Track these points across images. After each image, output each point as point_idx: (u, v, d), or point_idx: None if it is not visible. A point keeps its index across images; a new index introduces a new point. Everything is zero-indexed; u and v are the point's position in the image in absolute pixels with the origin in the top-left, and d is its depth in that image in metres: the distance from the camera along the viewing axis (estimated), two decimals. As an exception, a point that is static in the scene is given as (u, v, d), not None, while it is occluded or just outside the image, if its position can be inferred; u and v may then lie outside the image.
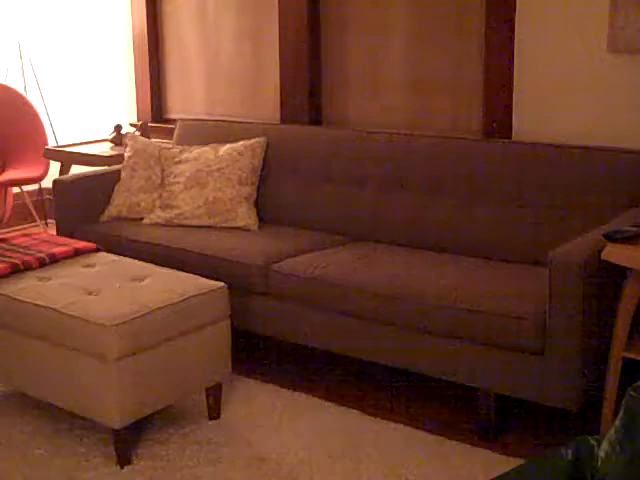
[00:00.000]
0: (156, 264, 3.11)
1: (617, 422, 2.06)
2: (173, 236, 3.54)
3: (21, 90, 5.06)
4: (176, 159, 3.82)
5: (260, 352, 3.52)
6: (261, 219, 3.71)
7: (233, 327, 2.96)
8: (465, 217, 3.28)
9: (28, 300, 2.79)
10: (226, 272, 3.20)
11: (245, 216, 3.63)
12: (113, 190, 3.92)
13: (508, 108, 3.39)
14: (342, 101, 4.01)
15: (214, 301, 2.87)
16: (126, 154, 4.01)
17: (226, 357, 2.92)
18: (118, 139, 4.43)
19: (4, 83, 4.96)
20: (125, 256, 3.23)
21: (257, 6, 4.21)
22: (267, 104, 4.23)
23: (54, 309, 2.71)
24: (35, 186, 5.22)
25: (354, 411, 2.99)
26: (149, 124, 4.49)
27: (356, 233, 3.54)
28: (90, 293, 2.82)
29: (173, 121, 4.48)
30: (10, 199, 4.86)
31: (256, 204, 3.72)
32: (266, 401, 3.08)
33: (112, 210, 3.89)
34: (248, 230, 3.61)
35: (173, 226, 3.67)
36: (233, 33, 4.34)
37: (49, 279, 2.95)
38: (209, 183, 3.68)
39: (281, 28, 4.06)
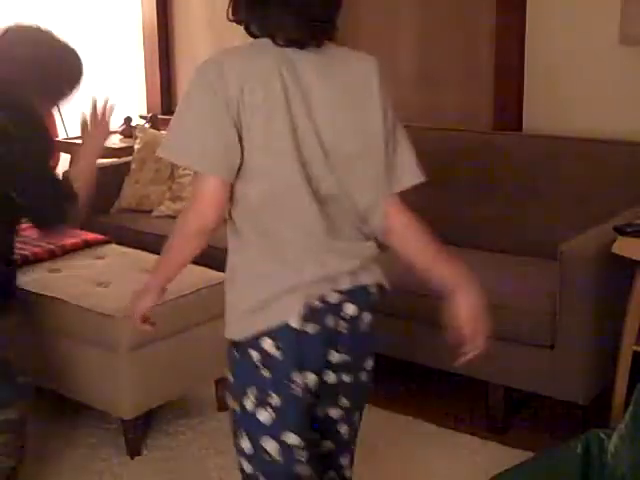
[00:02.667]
0: (166, 256, 3.12)
1: (627, 416, 2.06)
2: (183, 228, 3.54)
3: (31, 82, 5.07)
4: (186, 151, 3.82)
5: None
6: (271, 211, 3.70)
7: (243, 319, 2.96)
8: (475, 210, 3.27)
9: (38, 292, 2.80)
10: (236, 264, 3.20)
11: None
12: (123, 182, 3.93)
13: (519, 101, 3.38)
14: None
15: (224, 293, 2.87)
16: (136, 146, 4.01)
17: (236, 349, 2.93)
18: (128, 131, 4.44)
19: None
20: (135, 248, 3.24)
21: (267, -2, 4.21)
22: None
23: (64, 301, 2.71)
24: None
25: (363, 403, 3.00)
26: (159, 116, 4.49)
27: (366, 226, 3.53)
28: (100, 285, 2.83)
29: (183, 113, 4.48)
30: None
31: (266, 196, 3.71)
32: (275, 393, 3.09)
33: (122, 202, 3.90)
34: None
35: (183, 218, 3.67)
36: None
37: (59, 271, 2.96)
38: (219, 175, 3.68)
39: (291, 20, 4.05)
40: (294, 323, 1.60)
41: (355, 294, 1.69)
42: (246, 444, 1.68)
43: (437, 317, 2.81)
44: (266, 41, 1.59)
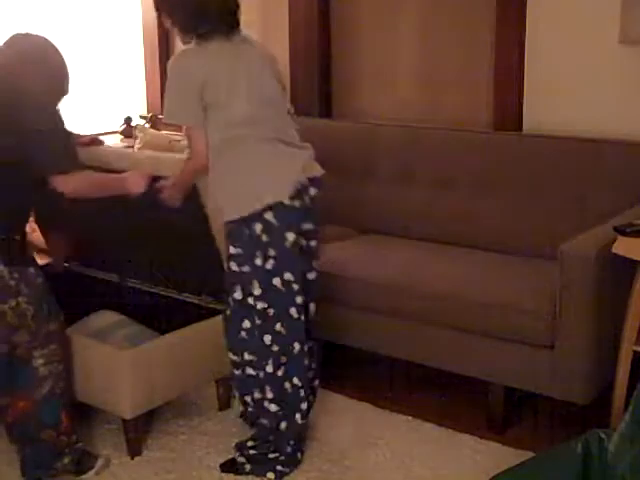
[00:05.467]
0: (166, 256, 3.12)
1: (627, 416, 2.06)
2: (183, 228, 3.55)
3: (31, 82, 5.06)
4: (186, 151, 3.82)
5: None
6: (271, 211, 3.70)
7: (243, 319, 2.96)
8: (475, 210, 3.28)
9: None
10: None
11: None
12: (123, 182, 3.92)
13: (519, 101, 3.38)
14: (353, 94, 4.00)
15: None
16: (136, 146, 4.01)
17: (236, 349, 2.93)
18: (128, 131, 4.43)
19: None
20: (135, 248, 3.24)
21: (267, -2, 4.21)
22: (277, 96, 4.22)
23: (65, 300, 2.72)
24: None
25: (364, 403, 3.00)
26: (159, 116, 4.49)
27: (366, 226, 3.54)
28: (101, 285, 2.83)
29: (183, 113, 4.47)
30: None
31: (266, 196, 3.72)
32: (275, 393, 3.09)
33: (122, 202, 3.89)
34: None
35: (183, 218, 3.67)
36: (243, 25, 4.32)
37: (60, 271, 2.96)
38: (219, 175, 3.68)
39: (291, 20, 4.05)
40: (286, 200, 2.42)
41: (313, 181, 2.52)
42: (257, 290, 2.44)
43: (438, 317, 2.82)
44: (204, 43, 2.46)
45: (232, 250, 2.46)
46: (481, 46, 3.54)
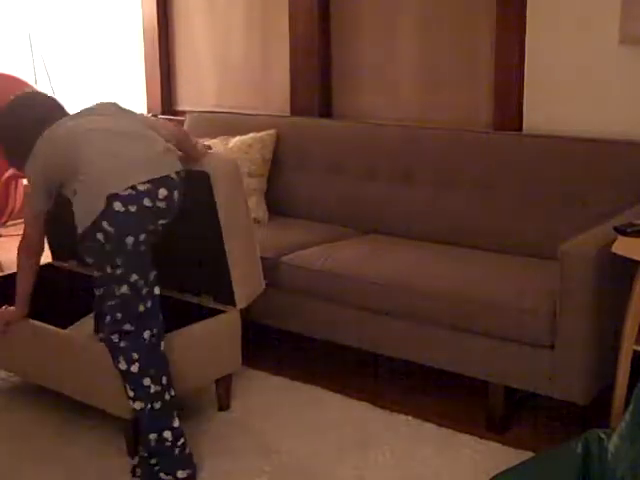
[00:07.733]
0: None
1: (627, 416, 2.07)
2: (183, 228, 3.55)
3: (32, 82, 5.07)
4: (186, 151, 3.82)
5: (270, 344, 3.53)
6: (271, 211, 3.71)
7: (243, 319, 2.96)
8: (476, 210, 3.28)
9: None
10: (236, 264, 3.20)
11: (255, 208, 3.63)
12: (123, 182, 3.92)
13: (519, 101, 3.38)
14: (352, 94, 4.00)
15: (224, 293, 2.87)
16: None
17: (236, 349, 2.93)
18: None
19: (15, 75, 4.97)
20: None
21: (267, -2, 4.21)
22: (277, 96, 4.23)
23: (65, 300, 2.72)
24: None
25: (364, 403, 3.00)
26: (159, 116, 4.50)
27: (366, 226, 3.54)
28: (101, 285, 2.83)
29: (183, 113, 4.49)
30: (20, 190, 4.87)
31: (266, 196, 3.72)
32: (276, 393, 3.09)
33: (122, 202, 3.89)
34: (258, 222, 3.61)
35: (183, 218, 3.67)
36: (243, 25, 4.33)
37: (60, 270, 2.96)
38: (219, 175, 3.69)
39: (291, 20, 4.06)
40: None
41: (160, 180, 2.45)
42: (118, 290, 2.45)
43: (438, 317, 2.82)
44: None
45: (88, 260, 2.54)
46: (481, 46, 3.54)
